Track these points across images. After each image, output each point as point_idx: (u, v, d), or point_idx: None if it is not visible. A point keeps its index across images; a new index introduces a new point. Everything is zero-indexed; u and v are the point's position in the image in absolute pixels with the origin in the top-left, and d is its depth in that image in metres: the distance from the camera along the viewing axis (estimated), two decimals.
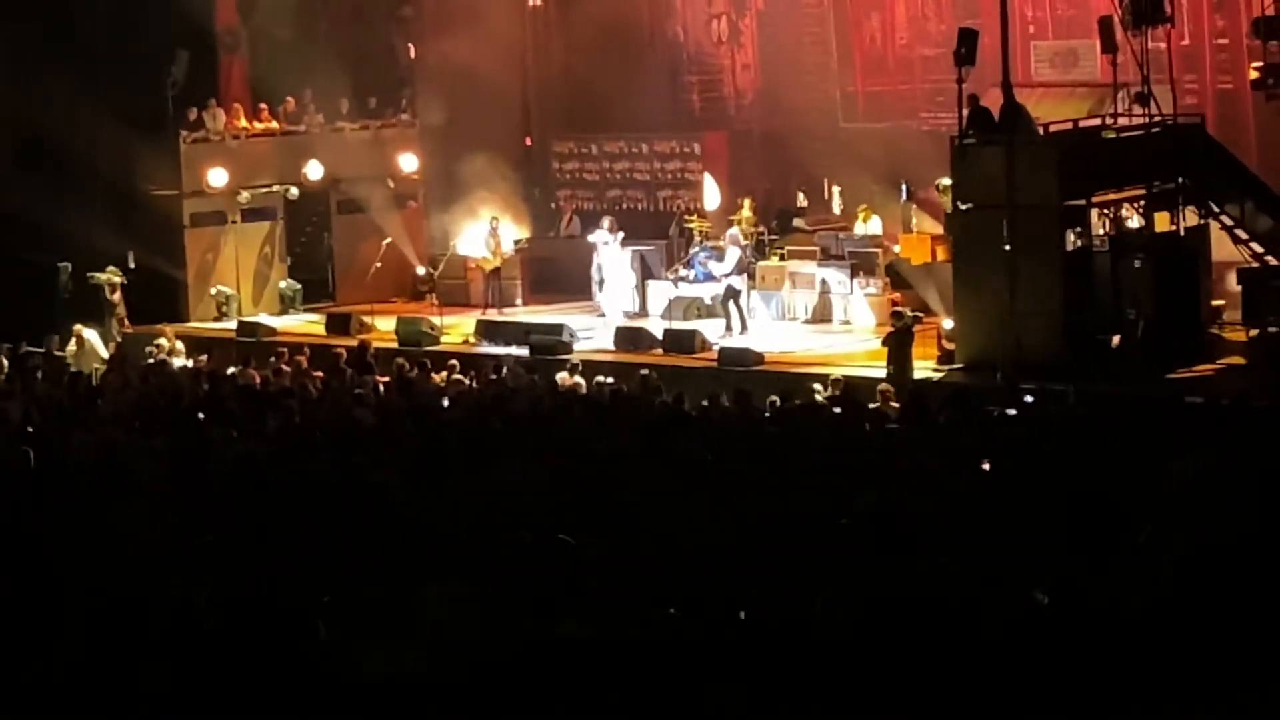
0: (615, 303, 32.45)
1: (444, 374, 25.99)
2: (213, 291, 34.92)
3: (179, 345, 30.53)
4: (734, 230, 31.72)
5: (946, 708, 9.23)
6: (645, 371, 25.30)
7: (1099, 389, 23.01)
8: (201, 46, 35.83)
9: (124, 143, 34.96)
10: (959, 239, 27.58)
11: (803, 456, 17.14)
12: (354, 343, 29.40)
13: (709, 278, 31.72)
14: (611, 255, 32.69)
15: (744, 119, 37.68)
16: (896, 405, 21.99)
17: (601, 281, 32.84)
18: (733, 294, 30.55)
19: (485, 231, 34.45)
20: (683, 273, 32.60)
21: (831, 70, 36.31)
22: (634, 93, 37.20)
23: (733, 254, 30.77)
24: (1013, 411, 21.11)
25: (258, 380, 25.50)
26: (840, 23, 36.12)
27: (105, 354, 30.49)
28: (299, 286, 35.85)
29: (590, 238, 33.19)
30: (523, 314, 33.17)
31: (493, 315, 32.76)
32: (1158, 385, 24.47)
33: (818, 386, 23.78)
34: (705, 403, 21.90)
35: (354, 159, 36.35)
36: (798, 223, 33.79)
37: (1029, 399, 22.49)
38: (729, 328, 30.31)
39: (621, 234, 32.98)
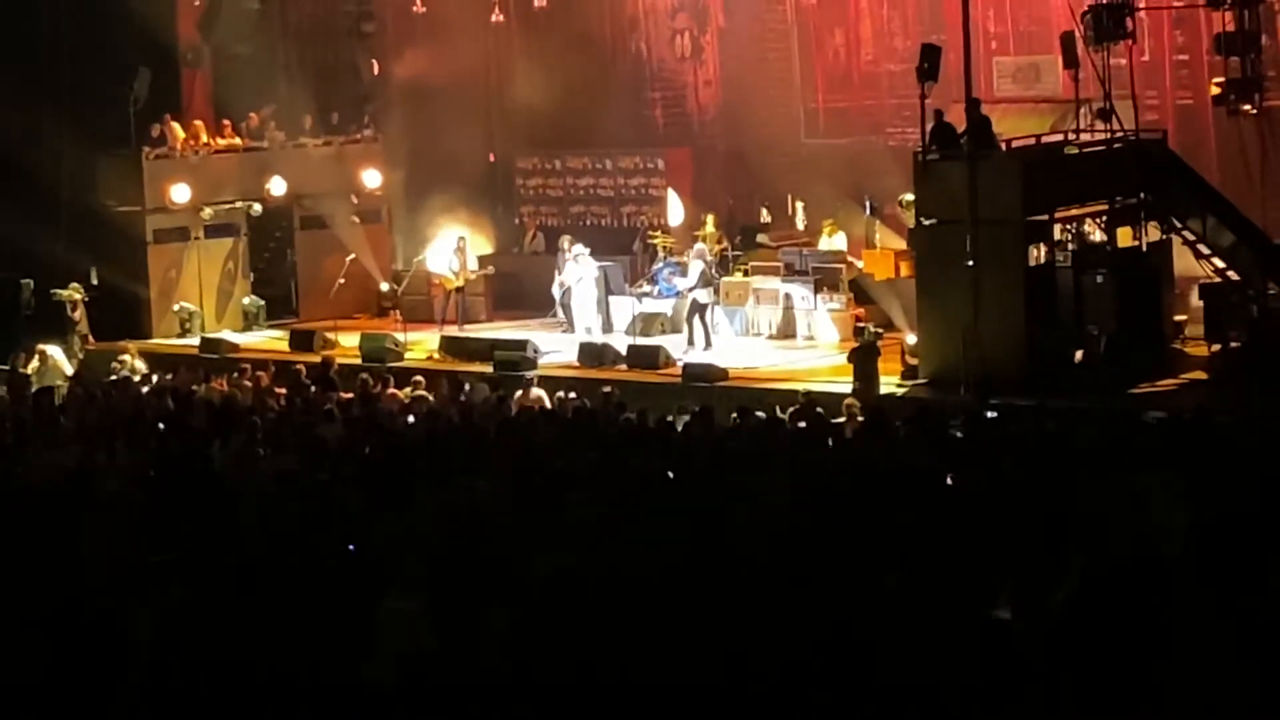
0: (585, 316, 32.36)
1: (408, 390, 25.96)
2: (176, 308, 34.79)
3: (140, 364, 30.42)
4: (700, 245, 31.71)
5: None
6: (608, 389, 25.28)
7: (1062, 404, 23.07)
8: (164, 62, 35.74)
9: (86, 158, 34.89)
10: (922, 254, 27.62)
11: (763, 472, 17.12)
12: (317, 359, 29.33)
13: (674, 293, 31.76)
14: (586, 270, 32.51)
15: (707, 135, 37.73)
16: (861, 420, 21.99)
17: (566, 294, 32.74)
18: (698, 309, 30.53)
19: (451, 250, 34.36)
20: (646, 288, 32.59)
21: (795, 86, 36.37)
22: (597, 109, 37.21)
23: (695, 268, 30.77)
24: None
25: (220, 394, 25.46)
26: (804, 39, 36.19)
27: (70, 370, 30.35)
28: (262, 303, 35.76)
29: (574, 252, 32.77)
30: (487, 330, 33.10)
31: (453, 330, 32.68)
32: (1120, 400, 24.53)
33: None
34: (669, 418, 21.91)
35: (317, 175, 36.28)
36: (761, 238, 33.80)
37: (992, 414, 22.54)
38: (691, 343, 30.30)
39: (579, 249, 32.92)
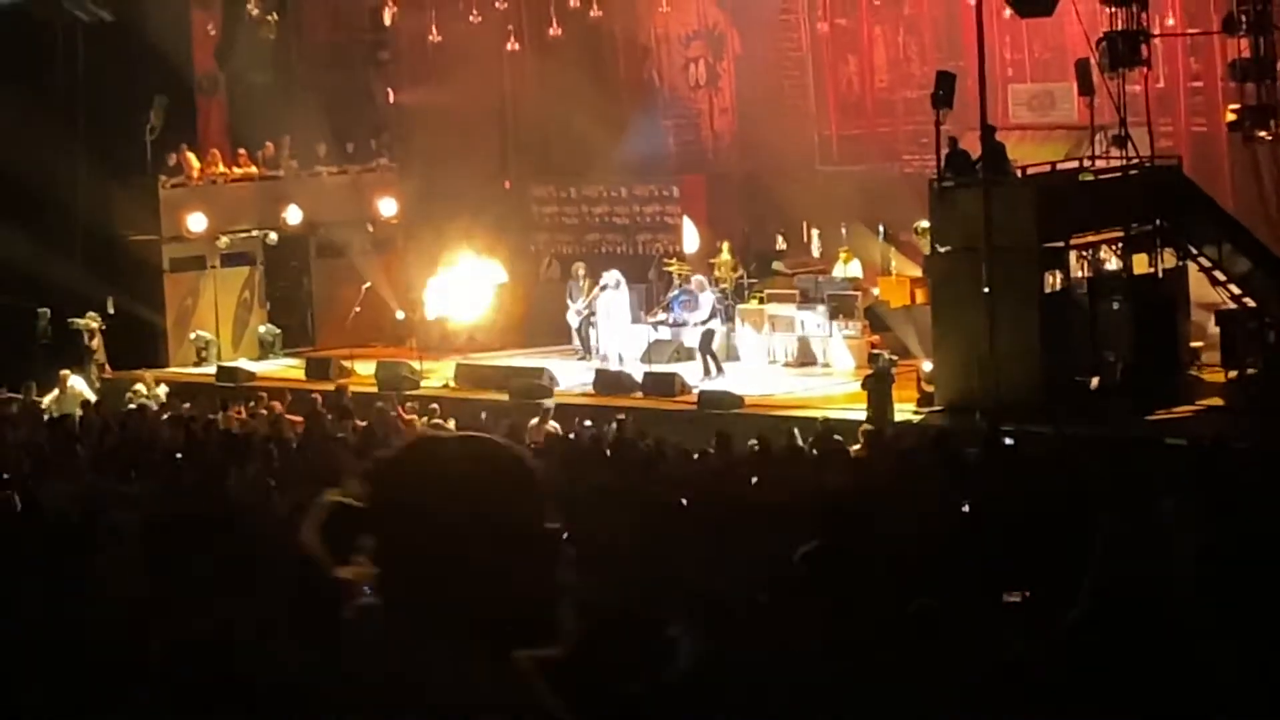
0: (617, 345, 32.27)
1: (425, 418, 25.98)
2: (192, 337, 34.88)
3: (159, 391, 30.46)
4: (698, 278, 31.63)
5: None
6: (621, 417, 25.29)
7: (1078, 431, 23.03)
8: (180, 91, 35.86)
9: (102, 188, 35.01)
10: (937, 281, 27.61)
11: (783, 500, 17.09)
12: (333, 387, 29.36)
13: (688, 323, 31.73)
14: (618, 300, 32.48)
15: (722, 162, 37.77)
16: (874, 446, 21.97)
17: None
18: (707, 338, 30.44)
19: (459, 279, 34.31)
20: (662, 316, 32.59)
21: (810, 113, 36.42)
22: (612, 136, 37.27)
23: (706, 300, 30.71)
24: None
25: (237, 424, 25.49)
26: (818, 66, 36.24)
27: (93, 398, 30.38)
28: (278, 331, 35.83)
29: (606, 282, 32.75)
30: (502, 358, 33.12)
31: (469, 359, 32.72)
32: (1137, 427, 24.48)
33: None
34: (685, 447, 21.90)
35: (333, 203, 36.38)
36: (776, 265, 33.79)
37: (1009, 441, 22.49)
38: (707, 372, 30.23)
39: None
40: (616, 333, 32.23)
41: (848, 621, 10.20)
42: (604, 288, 32.36)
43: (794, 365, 31.10)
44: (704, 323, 30.62)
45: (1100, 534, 13.72)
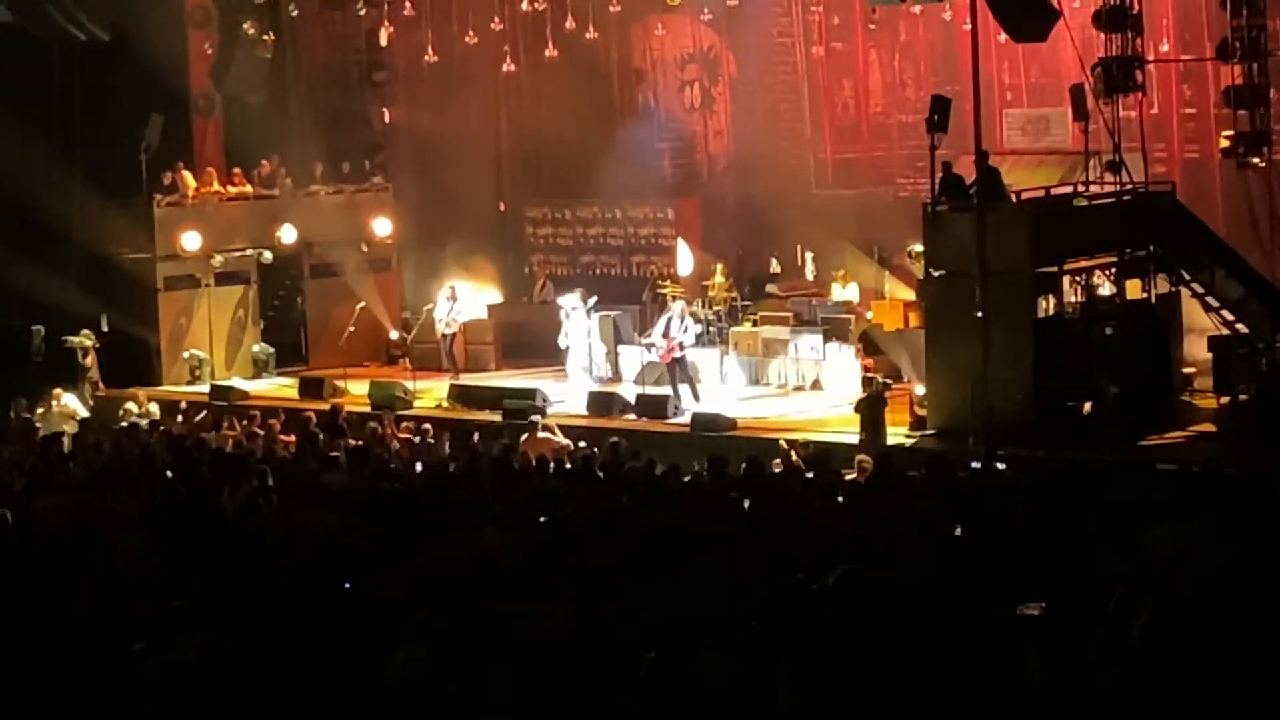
0: (578, 369, 32.29)
1: (418, 438, 25.98)
2: (186, 355, 34.84)
3: (152, 408, 30.44)
4: (679, 303, 31.42)
5: None
6: (615, 439, 25.28)
7: (1071, 455, 23.04)
8: (175, 111, 35.88)
9: (97, 206, 35.01)
10: (931, 305, 27.64)
11: (773, 523, 17.09)
12: (326, 407, 29.35)
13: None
14: (577, 322, 32.47)
15: (717, 185, 37.81)
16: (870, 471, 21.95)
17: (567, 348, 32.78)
18: (684, 364, 30.27)
19: (444, 297, 34.29)
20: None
21: (805, 137, 36.47)
22: (607, 158, 37.31)
23: (692, 325, 30.59)
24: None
25: (230, 441, 25.48)
26: (813, 90, 36.29)
27: (87, 415, 30.35)
28: (272, 350, 35.82)
29: (560, 301, 33.04)
30: (495, 379, 33.13)
31: (461, 379, 32.70)
32: (1129, 452, 24.49)
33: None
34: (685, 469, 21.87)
35: (327, 223, 36.39)
36: (771, 288, 33.83)
37: (1001, 465, 22.50)
38: (697, 397, 30.00)
39: (594, 299, 32.77)
40: (577, 355, 32.22)
41: (873, 643, 10.22)
42: (563, 310, 32.43)
43: (787, 388, 31.11)
44: (683, 347, 30.33)
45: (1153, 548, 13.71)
